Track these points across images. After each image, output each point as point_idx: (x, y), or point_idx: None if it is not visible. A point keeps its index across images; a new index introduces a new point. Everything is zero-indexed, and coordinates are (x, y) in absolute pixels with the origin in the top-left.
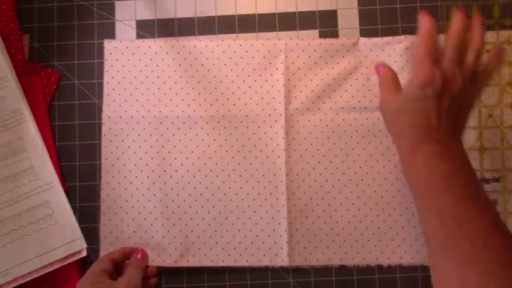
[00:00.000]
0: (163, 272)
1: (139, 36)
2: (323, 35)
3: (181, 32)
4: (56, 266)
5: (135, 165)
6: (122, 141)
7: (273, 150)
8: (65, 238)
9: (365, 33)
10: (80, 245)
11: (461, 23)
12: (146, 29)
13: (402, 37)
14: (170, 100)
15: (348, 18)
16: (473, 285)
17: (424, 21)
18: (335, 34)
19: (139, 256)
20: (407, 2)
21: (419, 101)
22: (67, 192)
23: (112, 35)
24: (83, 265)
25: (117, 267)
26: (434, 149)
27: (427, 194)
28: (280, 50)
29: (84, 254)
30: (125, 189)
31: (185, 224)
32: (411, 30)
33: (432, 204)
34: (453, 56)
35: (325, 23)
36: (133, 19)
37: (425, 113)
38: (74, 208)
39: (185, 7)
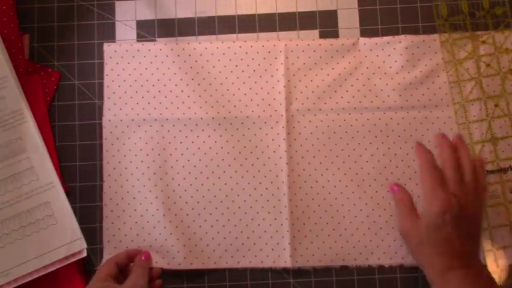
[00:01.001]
0: (164, 272)
1: (139, 36)
2: (323, 35)
3: (181, 32)
4: (56, 267)
5: (137, 168)
6: (124, 144)
7: (274, 152)
8: (66, 238)
9: (365, 33)
10: (80, 246)
11: (448, 147)
12: (146, 29)
13: (402, 36)
14: (171, 103)
15: (348, 18)
16: None
17: (421, 153)
18: (335, 34)
19: (143, 258)
20: (407, 2)
21: (439, 228)
22: (67, 192)
23: (112, 35)
24: (83, 265)
25: (122, 270)
26: (464, 275)
27: None
28: (280, 51)
29: (84, 254)
30: (128, 192)
31: (188, 226)
32: (411, 30)
33: None
34: (455, 176)
35: (325, 23)
36: (133, 19)
37: (448, 240)
38: (74, 208)
39: (185, 7)
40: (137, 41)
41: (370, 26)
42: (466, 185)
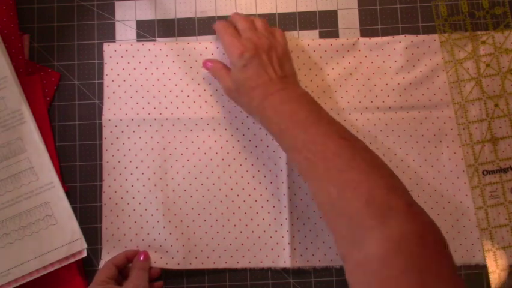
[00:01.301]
0: (164, 271)
1: (139, 36)
2: (323, 35)
3: (181, 32)
4: (56, 267)
5: (136, 167)
6: (124, 144)
7: (274, 151)
8: (66, 239)
9: (365, 33)
10: (80, 246)
11: (237, 14)
12: (147, 29)
13: (402, 36)
14: (171, 102)
15: (348, 18)
16: (335, 196)
17: (217, 23)
18: (335, 34)
19: (141, 258)
20: (407, 2)
21: (246, 67)
22: (67, 192)
23: (112, 36)
24: (83, 266)
25: (121, 272)
26: (278, 98)
27: (282, 136)
28: None
29: (84, 254)
30: (127, 192)
31: (188, 226)
32: (411, 30)
33: (288, 142)
34: (246, 25)
35: (325, 23)
36: (133, 19)
37: (258, 74)
38: (74, 208)
39: (185, 7)
40: (137, 41)
41: (370, 26)
42: (257, 29)
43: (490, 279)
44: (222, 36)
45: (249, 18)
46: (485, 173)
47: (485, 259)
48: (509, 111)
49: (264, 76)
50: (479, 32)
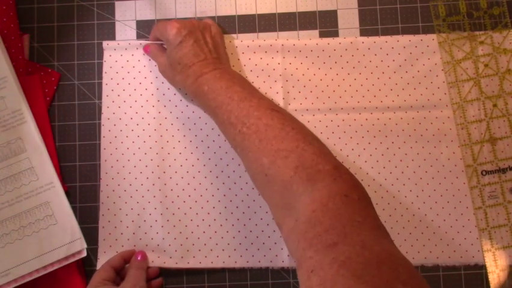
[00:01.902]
0: (164, 272)
1: (139, 36)
2: (323, 35)
3: None
4: (56, 267)
5: (134, 166)
6: (122, 142)
7: None
8: (65, 238)
9: (365, 33)
10: (80, 246)
11: None
12: (146, 29)
13: (400, 36)
14: (169, 101)
15: (348, 18)
16: (267, 166)
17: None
18: (335, 34)
19: (138, 258)
20: (407, 2)
21: (182, 44)
22: (67, 192)
23: (112, 35)
24: (83, 265)
25: (119, 273)
26: (213, 76)
27: (217, 111)
28: (277, 51)
29: (84, 254)
30: (125, 190)
31: (186, 226)
32: (411, 30)
33: (223, 117)
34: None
35: (325, 23)
36: (133, 19)
37: (193, 52)
38: (74, 208)
39: (185, 7)
40: (143, 40)
41: (370, 26)
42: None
43: (489, 280)
44: (157, 24)
45: None
46: (484, 173)
47: (484, 259)
48: (508, 111)
49: (200, 55)
50: (477, 32)
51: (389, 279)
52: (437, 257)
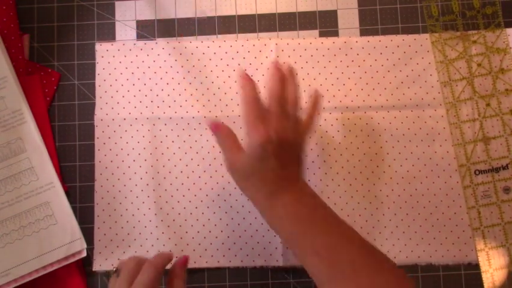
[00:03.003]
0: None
1: (139, 36)
2: (323, 35)
3: (181, 32)
4: (56, 267)
5: (129, 167)
6: (116, 143)
7: None
8: (65, 238)
9: (365, 33)
10: (80, 246)
11: (277, 80)
12: (146, 29)
13: (393, 35)
14: (163, 101)
15: (348, 18)
16: None
17: (244, 87)
18: (335, 34)
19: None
20: (407, 2)
21: (262, 158)
22: (67, 192)
23: (112, 35)
24: (83, 265)
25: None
26: (290, 197)
27: (296, 237)
28: (271, 50)
29: (84, 254)
30: (119, 191)
31: (180, 226)
32: (411, 30)
33: (306, 246)
34: (278, 111)
35: (325, 23)
36: (133, 19)
37: (271, 169)
38: (74, 208)
39: (185, 7)
40: (137, 41)
41: (370, 26)
42: (287, 118)
43: (483, 279)
44: (246, 111)
45: (282, 97)
46: (477, 172)
47: (478, 258)
48: (501, 110)
49: (279, 172)
50: (470, 32)
51: None
52: (431, 256)
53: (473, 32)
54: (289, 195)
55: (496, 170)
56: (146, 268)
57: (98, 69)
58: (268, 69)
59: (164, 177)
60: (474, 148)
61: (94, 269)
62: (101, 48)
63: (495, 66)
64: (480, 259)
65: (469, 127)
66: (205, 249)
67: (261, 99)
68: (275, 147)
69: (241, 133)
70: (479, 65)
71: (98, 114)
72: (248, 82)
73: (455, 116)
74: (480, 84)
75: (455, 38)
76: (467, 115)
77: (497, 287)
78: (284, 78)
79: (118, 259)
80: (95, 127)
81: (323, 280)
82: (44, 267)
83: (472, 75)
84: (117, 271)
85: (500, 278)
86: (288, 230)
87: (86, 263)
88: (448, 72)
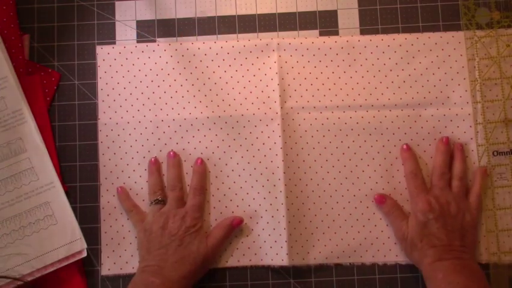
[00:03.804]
0: None
1: (139, 36)
2: (323, 35)
3: (181, 32)
4: (56, 267)
5: (134, 170)
6: (120, 147)
7: (270, 149)
8: (66, 238)
9: (365, 33)
10: (80, 246)
11: (444, 155)
12: (146, 29)
13: (396, 34)
14: (166, 103)
15: (348, 18)
16: None
17: (406, 160)
18: (335, 34)
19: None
20: (407, 2)
21: (426, 225)
22: (67, 192)
23: (112, 35)
24: (83, 265)
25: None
26: (451, 265)
27: None
28: (273, 50)
29: (84, 254)
30: None
31: None
32: (411, 30)
33: None
34: (440, 184)
35: (325, 23)
36: (133, 19)
37: (437, 236)
38: (74, 208)
39: (185, 7)
40: (137, 41)
41: (370, 26)
42: (450, 189)
43: (490, 264)
44: (409, 183)
45: (445, 170)
46: (495, 153)
47: (486, 238)
48: None
49: (443, 240)
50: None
51: None
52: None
53: (505, 12)
54: (450, 264)
55: None
56: (196, 194)
57: (100, 72)
58: (270, 68)
59: None
60: (494, 129)
61: (102, 274)
62: (102, 51)
63: None
64: (488, 240)
65: (489, 107)
66: (225, 250)
67: (422, 176)
68: (437, 216)
69: (243, 133)
70: (508, 45)
71: (102, 118)
72: (410, 155)
73: (479, 95)
74: (510, 66)
75: (487, 15)
76: (490, 96)
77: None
78: (449, 152)
79: (127, 262)
80: (99, 131)
81: None
82: (44, 267)
83: (499, 55)
84: (158, 200)
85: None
86: None
87: (86, 263)
88: (476, 50)
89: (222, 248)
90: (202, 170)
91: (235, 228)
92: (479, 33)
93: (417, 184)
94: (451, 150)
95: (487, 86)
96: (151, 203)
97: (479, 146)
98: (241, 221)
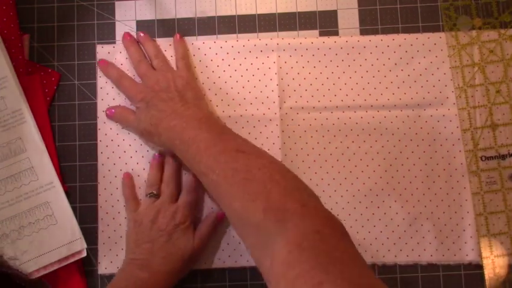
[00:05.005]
0: None
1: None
2: (323, 35)
3: (181, 32)
4: (56, 267)
5: (132, 169)
6: (118, 146)
7: (268, 149)
8: (65, 238)
9: (365, 33)
10: (80, 246)
11: (130, 45)
12: (146, 29)
13: (395, 34)
14: None
15: (348, 18)
16: (240, 210)
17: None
18: (335, 34)
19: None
20: (407, 2)
21: (147, 108)
22: (67, 192)
23: (112, 35)
24: (83, 265)
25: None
26: (180, 128)
27: (191, 163)
28: (273, 50)
29: (84, 254)
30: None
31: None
32: (411, 30)
33: (196, 168)
34: (144, 68)
35: (325, 23)
36: (133, 19)
37: (159, 110)
38: (74, 208)
39: (185, 7)
40: (138, 41)
41: (370, 26)
42: (156, 67)
43: (484, 265)
44: (120, 81)
45: (144, 61)
46: (483, 158)
47: (479, 245)
48: (511, 98)
49: (166, 111)
50: (483, 18)
51: None
52: (431, 255)
53: (487, 18)
54: (179, 126)
55: (502, 157)
56: (189, 191)
57: (99, 71)
58: (269, 68)
59: None
60: (481, 134)
61: (99, 272)
62: (103, 51)
63: (507, 54)
64: (482, 245)
65: (477, 113)
66: (223, 250)
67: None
68: (152, 96)
69: (241, 133)
70: (491, 51)
71: (101, 116)
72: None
73: (464, 101)
74: (492, 72)
75: (469, 22)
76: (476, 101)
77: (498, 273)
78: (136, 42)
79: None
80: (98, 130)
81: (212, 194)
82: (44, 267)
83: (483, 61)
84: (153, 194)
85: (501, 265)
86: (185, 156)
87: (86, 263)
88: (459, 57)
89: (210, 246)
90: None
91: (220, 222)
92: (461, 40)
93: (126, 77)
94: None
95: (471, 91)
96: (146, 195)
97: (467, 151)
98: (223, 214)
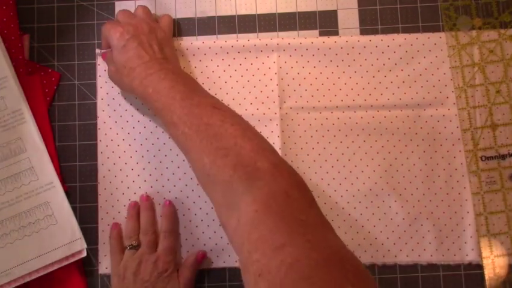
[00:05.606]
0: None
1: None
2: (322, 35)
3: (181, 32)
4: (56, 267)
5: (132, 169)
6: (118, 146)
7: None
8: (65, 238)
9: (365, 33)
10: (80, 246)
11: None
12: None
13: (395, 34)
14: None
15: (348, 18)
16: (208, 166)
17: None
18: (335, 34)
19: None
20: (407, 2)
21: (125, 48)
22: (67, 192)
23: None
24: (83, 265)
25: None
26: (157, 77)
27: (162, 113)
28: (273, 50)
29: (84, 254)
30: (123, 194)
31: (185, 227)
32: (411, 30)
33: (167, 118)
34: (125, 15)
35: (325, 23)
36: None
37: (137, 54)
38: (74, 208)
39: (185, 7)
40: None
41: (370, 26)
42: (137, 16)
43: (484, 265)
44: (103, 27)
45: (129, 11)
46: (483, 158)
47: (479, 245)
48: (511, 98)
49: (144, 57)
50: (483, 18)
51: (338, 280)
52: (431, 255)
53: (487, 18)
54: (156, 75)
55: (502, 157)
56: (166, 237)
57: (100, 70)
58: (269, 68)
59: (168, 179)
60: (481, 134)
61: (100, 272)
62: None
63: (507, 54)
64: (482, 245)
65: (477, 113)
66: (211, 250)
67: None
68: (132, 35)
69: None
70: (491, 51)
71: (100, 116)
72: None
73: (464, 101)
74: (492, 72)
75: (469, 22)
76: (476, 101)
77: (498, 273)
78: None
79: None
80: (98, 130)
81: (181, 147)
82: (44, 267)
83: (483, 61)
84: (132, 246)
85: (501, 265)
86: (157, 106)
87: (86, 263)
88: (459, 57)
89: (210, 246)
90: (171, 211)
91: (201, 263)
92: (461, 40)
93: (110, 22)
94: None
95: (471, 91)
96: (126, 248)
97: (467, 151)
98: (204, 254)
